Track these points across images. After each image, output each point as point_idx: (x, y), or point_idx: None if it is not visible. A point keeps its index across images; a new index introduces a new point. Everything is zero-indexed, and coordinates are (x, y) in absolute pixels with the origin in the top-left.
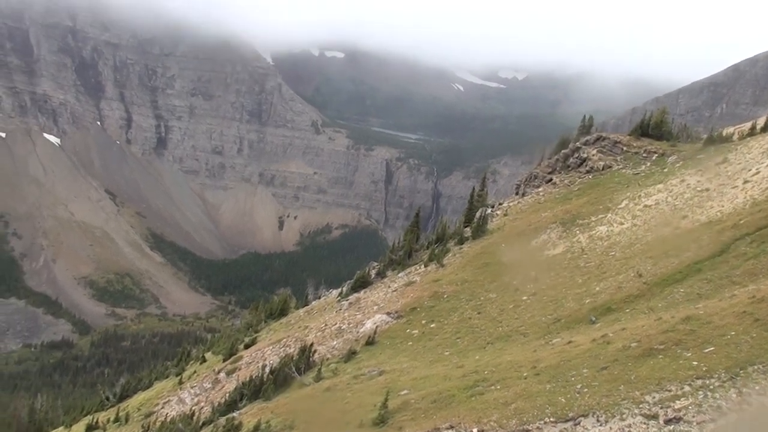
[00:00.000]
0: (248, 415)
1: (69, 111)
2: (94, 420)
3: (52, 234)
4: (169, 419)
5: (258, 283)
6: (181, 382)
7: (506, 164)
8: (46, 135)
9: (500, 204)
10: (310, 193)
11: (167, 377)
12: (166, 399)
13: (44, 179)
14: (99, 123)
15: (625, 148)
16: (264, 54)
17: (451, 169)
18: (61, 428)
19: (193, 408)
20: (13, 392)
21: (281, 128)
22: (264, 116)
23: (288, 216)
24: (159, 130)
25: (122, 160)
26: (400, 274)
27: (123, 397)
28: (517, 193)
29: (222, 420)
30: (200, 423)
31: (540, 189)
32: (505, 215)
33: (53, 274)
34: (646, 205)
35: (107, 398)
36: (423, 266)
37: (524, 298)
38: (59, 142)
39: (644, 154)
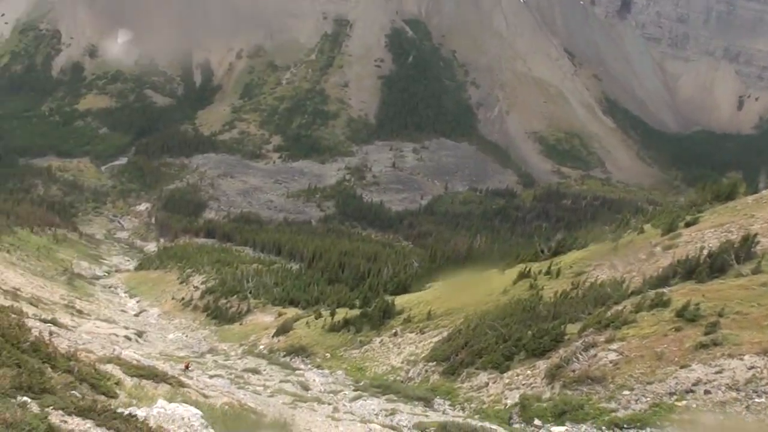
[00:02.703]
0: (678, 293)
1: None
2: (527, 269)
3: (509, 87)
4: (599, 282)
5: (708, 162)
6: (615, 249)
7: None
8: None
9: None
10: None
11: (602, 242)
12: (599, 263)
13: (506, 33)
14: None
15: None
16: None
17: None
18: (495, 270)
19: (624, 276)
20: (455, 229)
21: (753, 1)
22: None
23: (749, 96)
24: None
25: (584, 20)
26: None
27: (557, 252)
28: None
29: (651, 293)
30: (629, 291)
31: None
32: None
33: (505, 125)
34: None
35: (542, 251)
36: None
37: None
38: None
39: None
